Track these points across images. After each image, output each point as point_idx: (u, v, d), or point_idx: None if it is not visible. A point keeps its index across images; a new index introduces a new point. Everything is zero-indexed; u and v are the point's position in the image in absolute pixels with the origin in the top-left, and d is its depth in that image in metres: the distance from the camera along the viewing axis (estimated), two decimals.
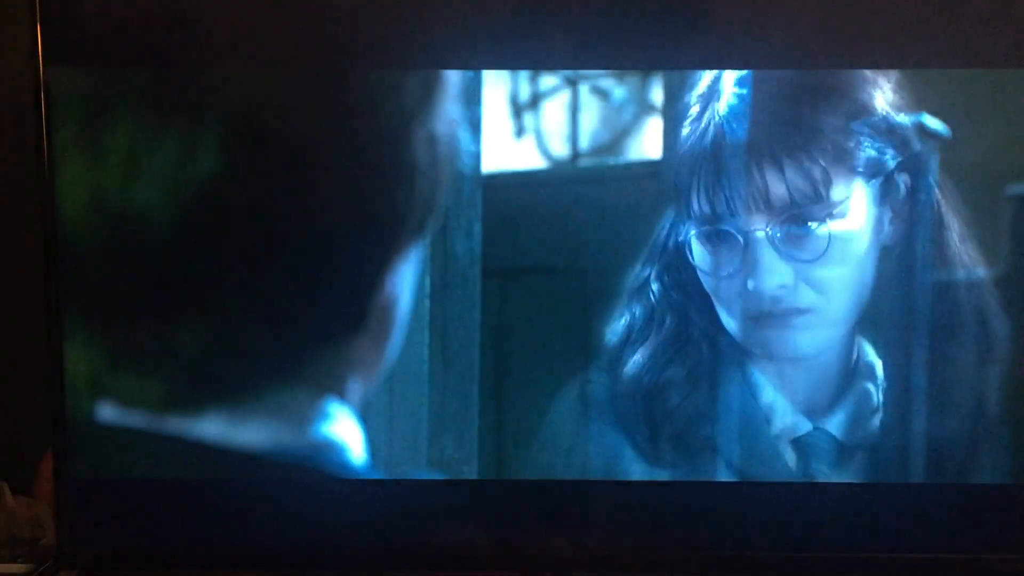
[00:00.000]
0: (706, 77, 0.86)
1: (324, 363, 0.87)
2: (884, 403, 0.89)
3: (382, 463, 0.89)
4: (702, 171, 0.86)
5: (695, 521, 0.90)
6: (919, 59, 0.86)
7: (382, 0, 0.86)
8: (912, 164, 0.86)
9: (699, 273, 0.88)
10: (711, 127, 0.86)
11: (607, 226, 0.88)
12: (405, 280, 0.88)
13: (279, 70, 0.86)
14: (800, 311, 0.87)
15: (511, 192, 0.88)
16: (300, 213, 0.87)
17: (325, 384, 0.87)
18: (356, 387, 0.88)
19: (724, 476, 0.90)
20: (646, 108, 0.88)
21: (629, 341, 0.89)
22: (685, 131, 0.87)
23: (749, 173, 0.85)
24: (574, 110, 0.88)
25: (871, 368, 0.89)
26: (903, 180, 0.86)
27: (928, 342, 0.87)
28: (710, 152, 0.86)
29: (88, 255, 0.87)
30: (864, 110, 0.85)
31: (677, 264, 0.88)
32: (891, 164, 0.86)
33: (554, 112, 0.88)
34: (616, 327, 0.89)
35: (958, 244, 0.86)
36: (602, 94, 0.88)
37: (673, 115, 0.87)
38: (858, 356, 0.89)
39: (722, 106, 0.86)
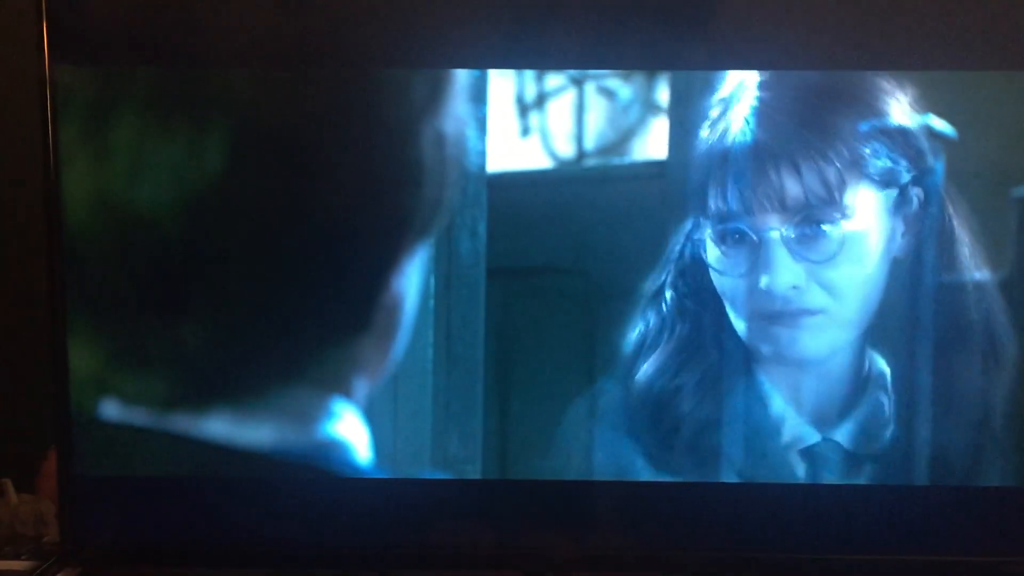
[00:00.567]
0: (727, 79, 0.87)
1: (328, 362, 0.87)
2: (895, 414, 0.89)
3: (386, 462, 0.89)
4: (719, 170, 0.87)
5: (697, 522, 0.90)
6: (933, 62, 0.86)
7: (389, 0, 0.86)
8: (925, 178, 0.86)
9: (712, 273, 0.88)
10: (729, 127, 0.86)
11: (611, 227, 0.88)
12: (410, 279, 0.87)
13: (285, 69, 0.86)
14: (811, 312, 0.87)
15: (516, 192, 0.88)
16: (305, 212, 0.86)
17: (329, 383, 0.87)
18: (361, 386, 0.88)
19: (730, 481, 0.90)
20: (652, 108, 0.87)
21: (644, 347, 0.89)
22: (704, 132, 0.87)
23: (765, 173, 0.86)
24: (580, 110, 0.88)
25: (882, 379, 0.89)
26: (916, 194, 0.87)
27: (939, 353, 0.88)
28: (727, 151, 0.86)
29: (92, 253, 0.87)
30: (880, 118, 0.86)
31: (691, 270, 0.88)
32: (905, 176, 0.86)
33: (560, 112, 0.88)
34: (623, 331, 0.89)
35: (968, 258, 0.87)
36: (608, 94, 0.87)
37: (679, 116, 0.87)
38: (869, 367, 0.89)
39: (741, 108, 0.86)
